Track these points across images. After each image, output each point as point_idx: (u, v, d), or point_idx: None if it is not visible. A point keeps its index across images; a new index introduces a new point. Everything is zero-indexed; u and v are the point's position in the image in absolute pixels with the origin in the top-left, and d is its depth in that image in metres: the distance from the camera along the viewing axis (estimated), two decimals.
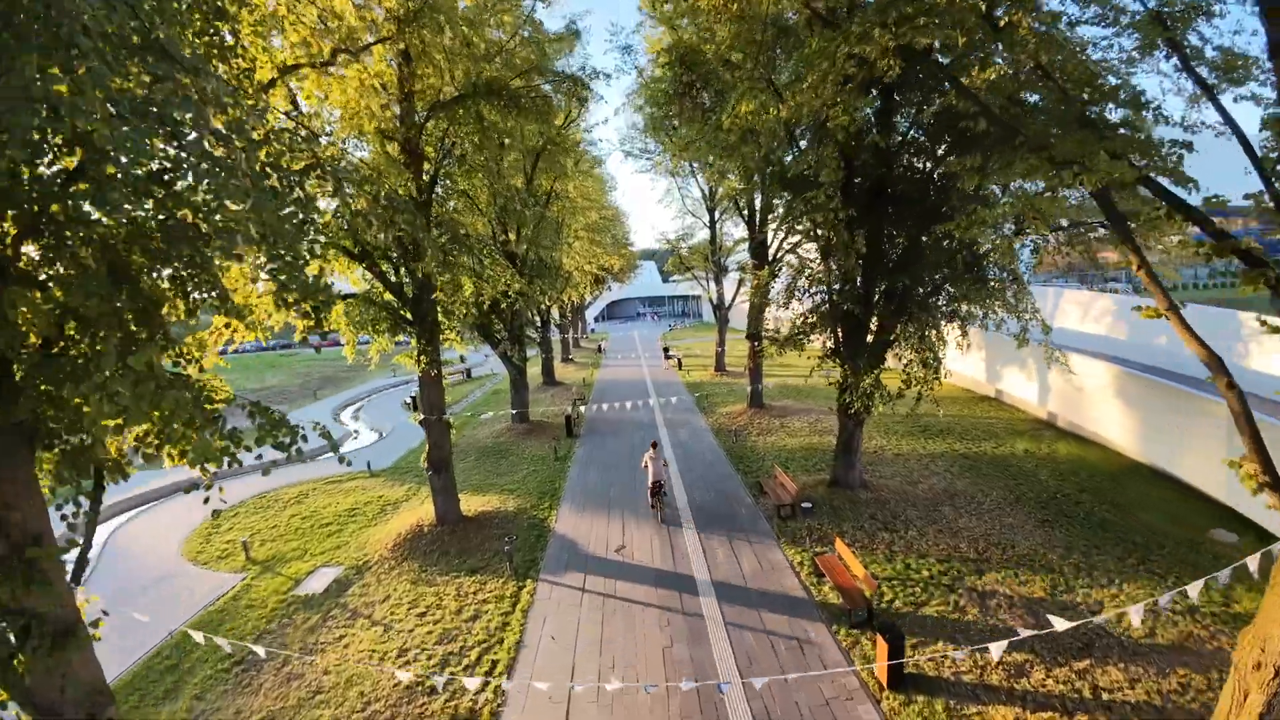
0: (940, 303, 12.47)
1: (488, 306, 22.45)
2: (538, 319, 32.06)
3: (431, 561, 13.36)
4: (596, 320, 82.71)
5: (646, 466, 14.30)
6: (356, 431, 30.52)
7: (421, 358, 13.57)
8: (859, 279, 12.59)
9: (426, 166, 13.21)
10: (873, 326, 13.85)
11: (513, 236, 20.70)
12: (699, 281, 33.87)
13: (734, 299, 32.39)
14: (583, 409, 26.87)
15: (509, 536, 13.94)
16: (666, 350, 43.41)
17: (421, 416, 14.37)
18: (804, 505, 14.09)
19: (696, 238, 33.98)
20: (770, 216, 23.14)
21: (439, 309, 14.01)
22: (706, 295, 33.12)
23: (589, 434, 22.82)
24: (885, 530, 13.20)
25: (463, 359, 52.29)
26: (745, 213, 22.95)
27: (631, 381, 33.44)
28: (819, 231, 12.99)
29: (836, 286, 13.13)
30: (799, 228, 14.60)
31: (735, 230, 34.44)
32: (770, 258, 23.00)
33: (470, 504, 16.24)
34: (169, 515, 18.42)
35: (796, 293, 15.20)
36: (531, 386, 33.38)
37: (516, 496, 16.79)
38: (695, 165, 30.92)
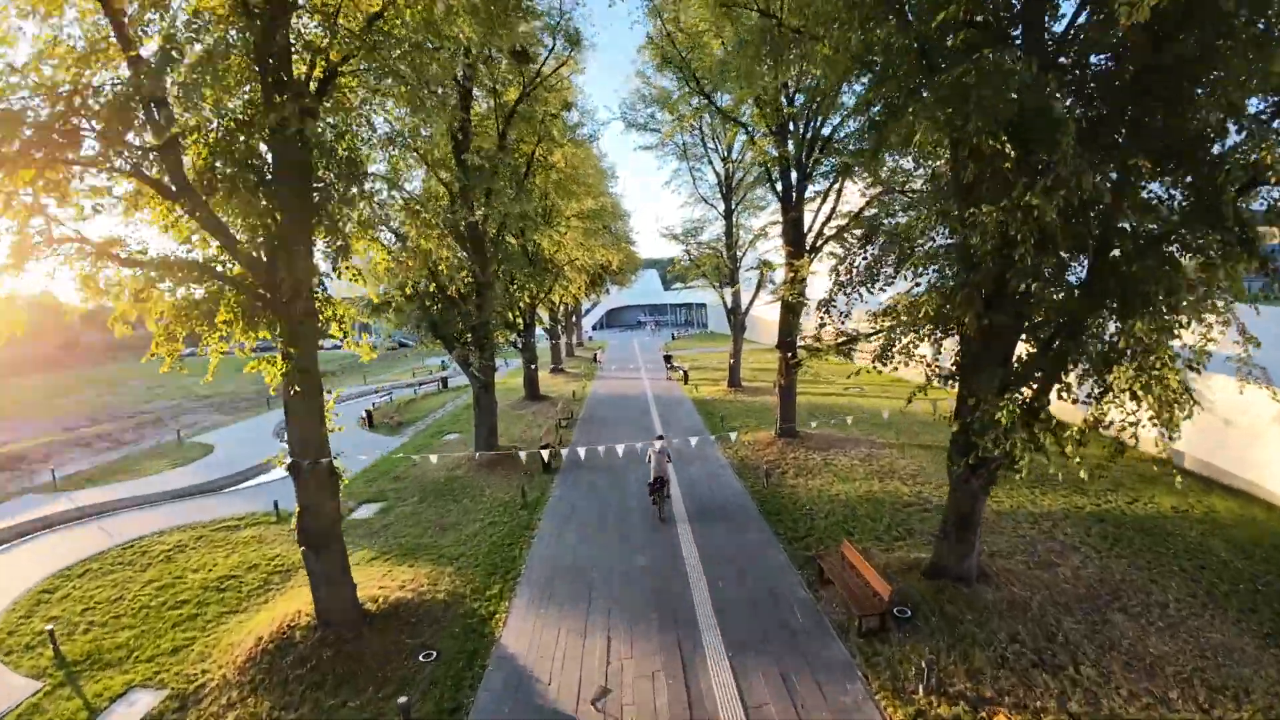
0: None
1: (434, 294, 17.39)
2: (519, 320, 26.87)
3: (294, 699, 8.12)
4: (595, 328, 77.63)
5: (649, 459, 13.28)
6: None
7: (284, 362, 8.39)
8: (1031, 238, 7.22)
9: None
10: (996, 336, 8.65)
11: (479, 210, 15.58)
12: (710, 283, 28.79)
13: (751, 303, 27.28)
14: (570, 432, 21.69)
15: (426, 652, 8.73)
16: (669, 359, 38.25)
17: (287, 460, 9.15)
18: (898, 612, 8.86)
19: (707, 234, 28.99)
20: (813, 187, 18.10)
21: (315, 290, 8.87)
22: (719, 297, 28.04)
23: (572, 469, 17.57)
24: (1041, 665, 7.98)
25: (444, 365, 47.09)
26: (778, 183, 17.86)
27: (630, 397, 28.22)
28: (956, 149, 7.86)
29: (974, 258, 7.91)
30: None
31: (754, 221, 29.40)
32: (810, 244, 17.96)
33: (384, 584, 10.97)
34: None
35: (879, 277, 10.09)
36: (509, 401, 28.17)
37: (456, 572, 11.49)
38: (712, 142, 26.05)
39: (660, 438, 14.12)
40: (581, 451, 15.70)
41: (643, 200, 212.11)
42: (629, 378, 34.44)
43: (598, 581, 10.71)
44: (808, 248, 18.11)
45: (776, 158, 16.65)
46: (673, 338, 60.99)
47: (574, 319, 47.22)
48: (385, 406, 31.67)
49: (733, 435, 19.44)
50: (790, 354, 18.12)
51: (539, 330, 33.64)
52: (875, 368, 9.20)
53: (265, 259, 8.29)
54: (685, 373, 30.98)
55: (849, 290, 10.07)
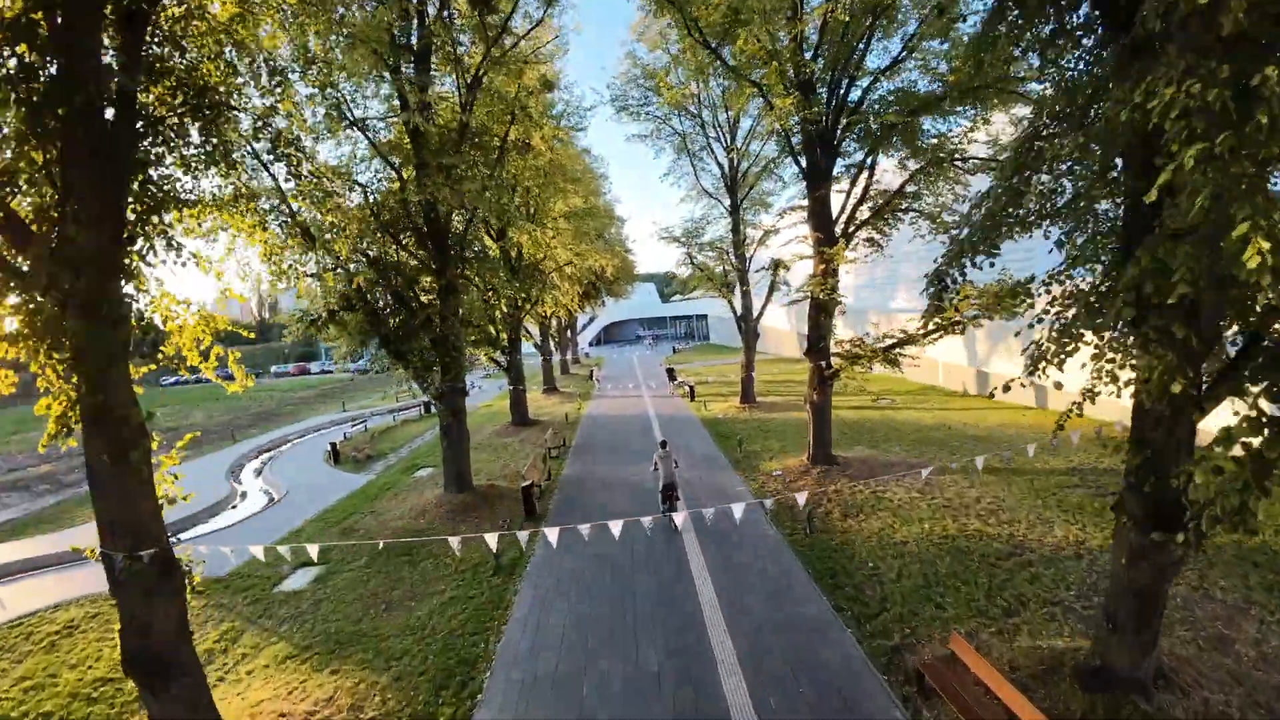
0: None
1: (390, 303, 14.30)
2: (502, 334, 23.71)
3: None
4: (592, 344, 74.57)
5: (656, 467, 12.68)
6: (243, 493, 21.92)
7: (59, 406, 5.19)
8: None
9: None
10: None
11: (437, 192, 12.47)
12: (715, 289, 25.73)
13: (764, 308, 24.20)
14: (561, 463, 18.43)
15: None
16: (671, 372, 35.06)
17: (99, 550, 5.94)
18: None
19: (710, 233, 25.98)
20: (842, 161, 15.17)
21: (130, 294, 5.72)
22: (727, 302, 24.95)
23: (563, 512, 14.30)
24: None
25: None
26: (801, 157, 14.83)
27: (630, 419, 24.96)
28: None
29: None
30: None
31: (763, 218, 26.40)
32: (843, 228, 14.94)
33: (288, 709, 7.65)
34: None
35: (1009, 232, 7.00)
36: (494, 428, 24.90)
37: (392, 684, 8.15)
38: (714, 130, 23.17)
39: (664, 443, 13.31)
40: (574, 488, 12.42)
41: (639, 206, 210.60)
42: (629, 396, 31.19)
43: (593, 700, 7.37)
44: (839, 234, 15.06)
45: (800, 123, 13.62)
46: (673, 351, 57.86)
47: (569, 334, 44.12)
48: (357, 438, 28.39)
49: (757, 463, 16.22)
50: (824, 363, 14.96)
51: (527, 346, 30.44)
52: (1030, 379, 5.97)
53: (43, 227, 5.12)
54: (691, 388, 27.75)
55: (972, 255, 6.87)
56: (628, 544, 11.80)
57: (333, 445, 23.79)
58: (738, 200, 23.71)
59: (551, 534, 8.71)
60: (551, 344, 47.57)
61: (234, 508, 20.21)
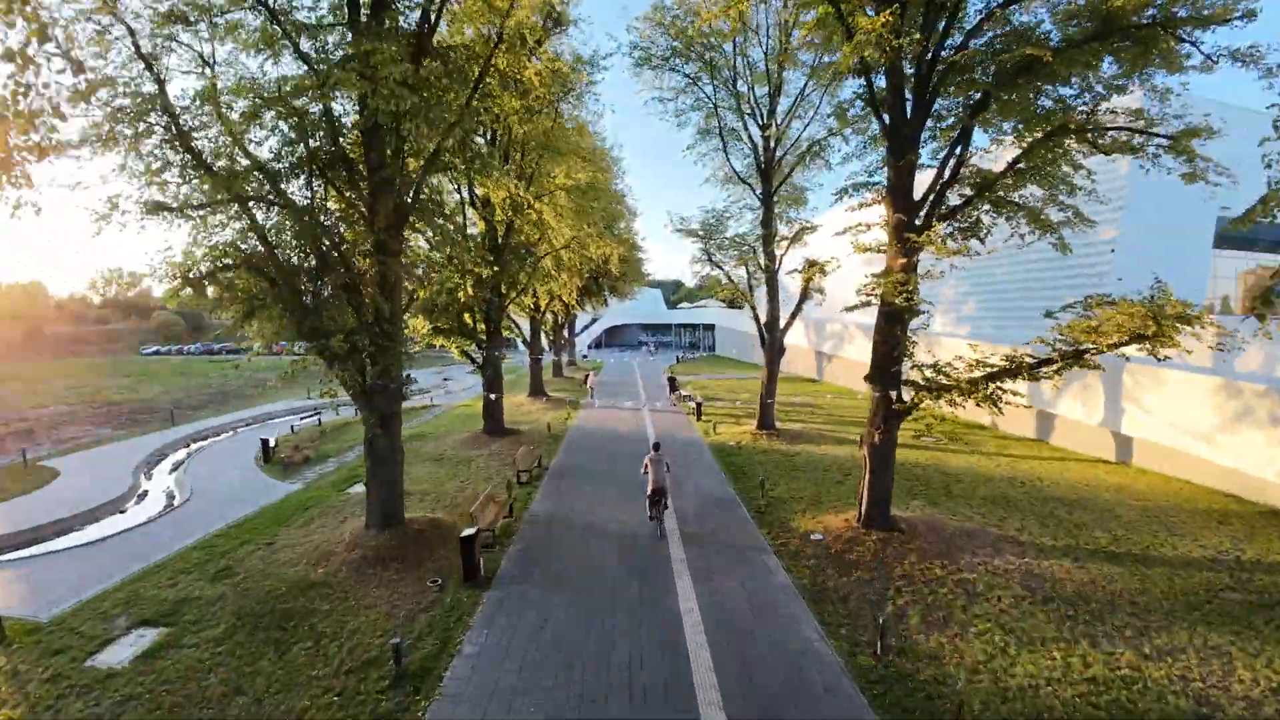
0: None
1: (309, 271, 10.49)
2: (478, 324, 19.84)
3: None
4: (591, 346, 70.64)
5: (647, 470, 11.52)
6: (143, 494, 17.96)
7: None
8: None
9: None
10: None
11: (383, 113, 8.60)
12: (735, 293, 21.80)
13: (794, 317, 20.29)
14: (531, 493, 14.44)
15: None
16: (673, 382, 31.11)
17: None
18: None
19: (731, 229, 22.05)
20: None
21: None
22: (749, 306, 21.02)
23: (518, 574, 10.31)
24: None
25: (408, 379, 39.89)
26: (885, 114, 10.92)
27: (625, 437, 20.96)
28: None
29: None
30: None
31: (797, 213, 22.48)
32: (932, 204, 11.09)
33: None
34: None
35: None
36: (460, 436, 20.91)
37: None
38: (749, 106, 19.31)
39: (657, 445, 12.34)
40: (540, 535, 8.50)
41: (647, 208, 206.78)
42: (626, 408, 27.17)
43: None
44: (930, 209, 11.19)
45: (887, 54, 9.71)
46: (677, 360, 53.90)
47: (565, 333, 40.11)
48: (304, 432, 24.43)
49: (786, 516, 12.27)
50: (893, 393, 11.04)
51: (521, 346, 26.46)
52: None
53: None
54: (698, 405, 23.74)
55: None
56: (605, 636, 7.81)
57: (264, 442, 19.81)
58: (771, 189, 19.83)
59: (497, 614, 4.75)
60: (545, 342, 43.67)
61: (122, 512, 16.23)
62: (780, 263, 20.29)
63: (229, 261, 9.87)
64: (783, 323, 20.40)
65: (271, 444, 20.48)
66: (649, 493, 11.53)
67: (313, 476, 17.85)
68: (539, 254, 20.05)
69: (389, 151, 10.65)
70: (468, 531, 9.74)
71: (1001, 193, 11.40)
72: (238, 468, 19.18)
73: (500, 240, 18.85)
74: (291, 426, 25.67)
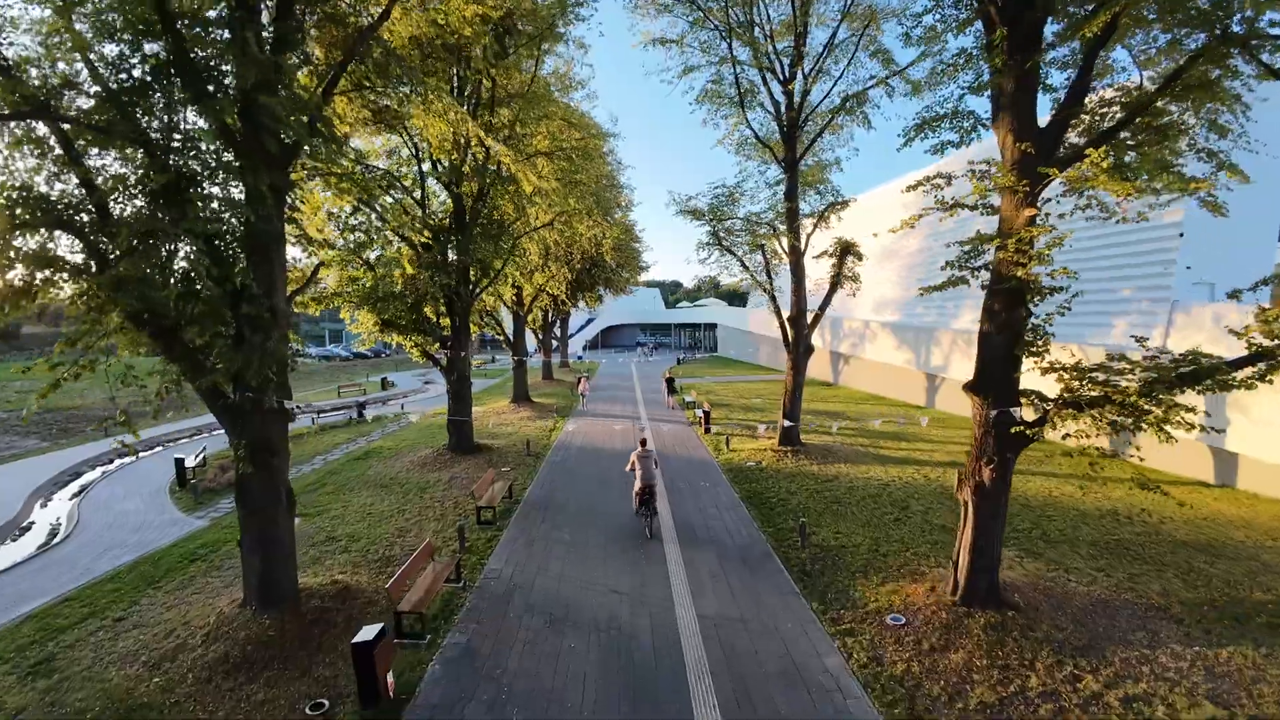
0: None
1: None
2: (441, 318, 16.36)
3: None
4: (587, 348, 67.09)
5: (634, 467, 11.10)
6: (30, 523, 14.48)
7: None
8: None
9: None
10: None
11: None
12: (752, 281, 18.29)
13: (824, 308, 16.80)
14: (492, 537, 10.83)
15: None
16: (670, 383, 27.63)
17: None
18: None
19: (744, 208, 18.58)
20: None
21: None
22: (768, 296, 17.50)
23: (453, 693, 6.75)
24: None
25: (385, 384, 35.94)
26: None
27: (620, 455, 17.37)
28: None
29: None
30: None
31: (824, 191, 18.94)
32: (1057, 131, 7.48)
33: None
34: None
35: None
36: (423, 452, 17.32)
37: None
38: (769, 58, 15.78)
39: (644, 441, 11.57)
40: (491, 621, 5.09)
41: (644, 212, 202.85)
42: (621, 417, 23.58)
43: None
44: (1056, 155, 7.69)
45: None
46: (678, 362, 50.39)
47: (555, 331, 36.47)
48: None
49: (844, 582, 8.75)
50: (1010, 409, 7.54)
51: (485, 345, 22.84)
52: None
53: None
54: (705, 414, 20.14)
55: None
56: None
57: (179, 462, 16.21)
58: (795, 155, 16.30)
59: None
60: (534, 341, 40.03)
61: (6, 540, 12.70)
62: (807, 244, 16.76)
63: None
64: (809, 315, 16.88)
65: (197, 462, 16.93)
66: (637, 490, 11.05)
67: (227, 508, 14.30)
68: (516, 233, 16.48)
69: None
70: (364, 635, 6.15)
71: (1153, 119, 7.88)
72: (144, 494, 15.59)
73: (466, 215, 15.28)
74: (197, 455, 22.03)
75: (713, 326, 64.22)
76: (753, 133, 16.43)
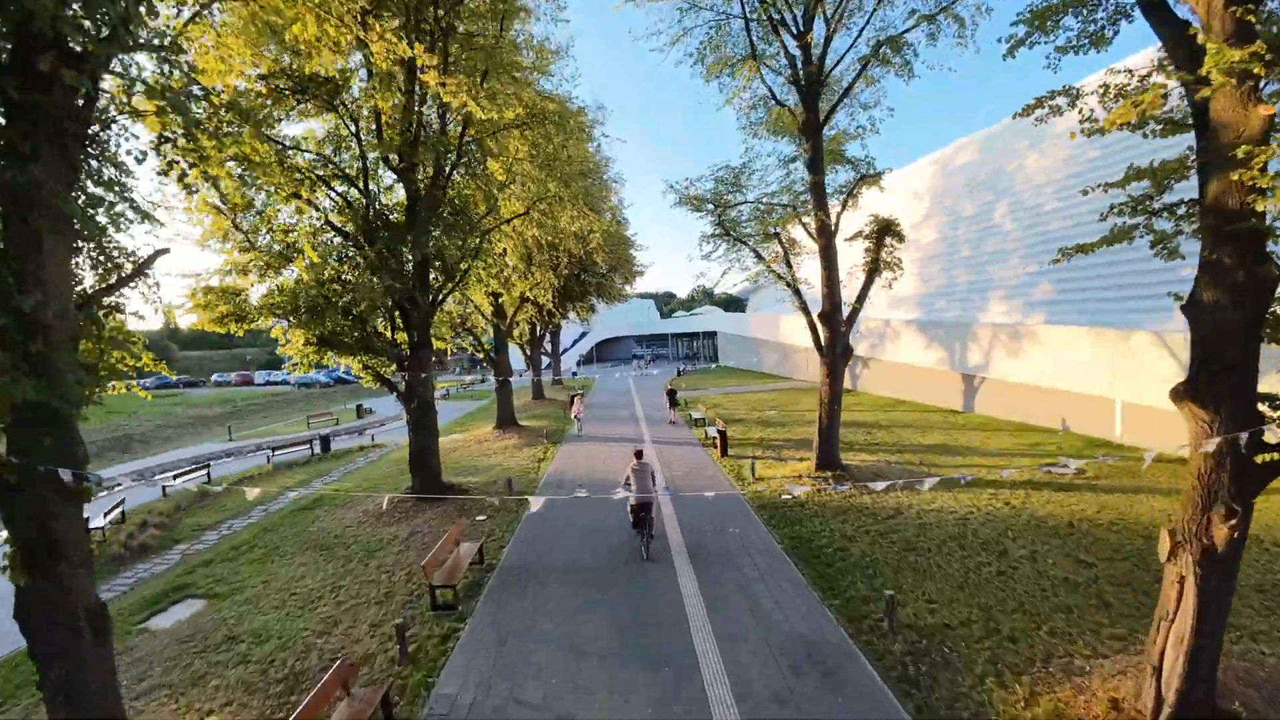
0: None
1: None
2: (393, 331, 13.34)
3: None
4: (580, 363, 64.05)
5: (629, 483, 9.89)
6: None
7: None
8: None
9: None
10: None
11: None
12: (767, 272, 15.40)
13: (859, 303, 13.91)
14: (441, 642, 7.65)
15: None
16: (672, 395, 24.63)
17: None
18: None
19: (755, 191, 15.86)
20: None
21: None
22: (791, 289, 14.59)
23: None
24: None
25: (360, 411, 32.52)
26: None
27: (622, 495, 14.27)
28: None
29: None
30: None
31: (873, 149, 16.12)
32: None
33: None
34: None
35: None
36: (390, 495, 14.15)
37: None
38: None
39: (640, 453, 10.67)
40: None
41: (636, 218, 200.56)
42: (621, 439, 20.47)
43: None
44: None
45: None
46: (678, 373, 47.40)
47: (544, 346, 33.39)
48: (179, 495, 17.63)
49: (982, 703, 5.65)
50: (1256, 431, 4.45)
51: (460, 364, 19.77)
52: None
53: None
54: (721, 435, 17.04)
55: None
56: None
57: (112, 515, 13.07)
58: (819, 119, 13.44)
59: None
60: (520, 358, 36.97)
61: None
62: (838, 225, 13.86)
63: None
64: (846, 311, 13.96)
65: (107, 521, 13.79)
66: (632, 507, 10.05)
67: (129, 581, 11.17)
68: (484, 226, 13.50)
69: None
70: None
71: None
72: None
73: (419, 204, 12.27)
74: (163, 489, 18.80)
75: (711, 334, 61.35)
76: (768, 90, 13.55)
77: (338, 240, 12.41)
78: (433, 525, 12.11)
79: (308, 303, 10.90)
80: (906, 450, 16.42)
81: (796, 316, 15.29)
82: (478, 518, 12.22)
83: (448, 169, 12.50)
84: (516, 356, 38.00)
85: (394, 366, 13.44)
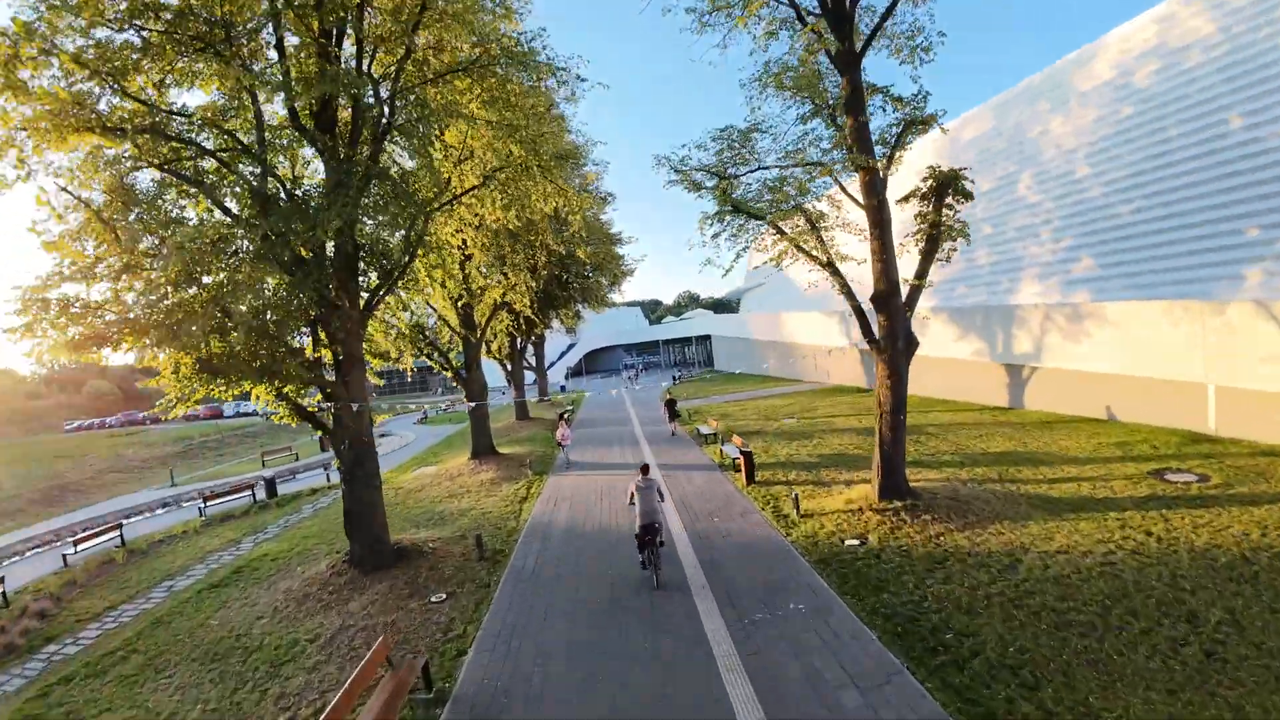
0: None
1: None
2: (299, 340, 9.94)
3: None
4: (568, 376, 60.67)
5: (633, 500, 9.08)
6: None
7: None
8: None
9: None
10: None
11: None
12: (796, 245, 12.19)
13: (920, 279, 10.80)
14: None
15: None
16: (672, 405, 21.43)
17: None
18: None
19: (771, 153, 12.80)
20: None
21: None
22: (824, 269, 11.45)
23: None
24: None
25: (324, 445, 28.64)
26: None
27: (630, 542, 10.99)
28: None
29: None
30: None
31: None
32: None
33: None
34: None
35: None
36: (320, 566, 10.67)
37: None
38: None
39: (645, 468, 9.69)
40: None
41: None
42: (620, 465, 17.18)
43: None
44: None
45: None
46: (674, 380, 44.23)
47: (525, 358, 29.94)
48: (87, 564, 14.20)
49: None
50: None
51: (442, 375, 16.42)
52: None
53: None
54: (747, 458, 13.73)
55: None
56: None
57: None
58: (855, 46, 10.40)
59: None
60: (501, 374, 33.57)
61: None
62: (888, 176, 10.79)
63: None
64: (905, 290, 10.86)
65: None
66: (638, 528, 8.81)
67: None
68: (428, 204, 10.23)
69: None
70: None
71: None
72: None
73: (343, 172, 8.99)
74: (71, 550, 15.22)
75: (705, 339, 58.34)
76: (791, 4, 10.44)
77: (226, 225, 9.09)
78: (372, 613, 8.74)
79: (167, 314, 7.58)
80: (973, 462, 13.32)
81: (801, 313, 12.18)
82: (432, 599, 8.87)
83: (378, 130, 9.29)
84: (497, 373, 34.62)
85: (319, 396, 10.12)
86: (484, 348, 25.09)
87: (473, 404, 18.45)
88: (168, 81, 9.22)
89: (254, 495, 18.89)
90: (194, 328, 8.14)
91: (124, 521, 17.85)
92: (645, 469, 9.70)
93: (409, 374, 19.71)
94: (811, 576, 8.40)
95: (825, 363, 32.42)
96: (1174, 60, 15.53)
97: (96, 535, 15.73)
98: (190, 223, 9.52)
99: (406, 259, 10.08)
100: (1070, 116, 18.75)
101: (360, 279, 10.04)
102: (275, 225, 7.90)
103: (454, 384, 20.11)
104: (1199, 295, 14.46)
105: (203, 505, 18.10)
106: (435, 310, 17.89)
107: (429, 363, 18.28)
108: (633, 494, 9.25)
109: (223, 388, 9.22)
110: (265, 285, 8.75)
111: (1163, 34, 15.85)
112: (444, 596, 8.86)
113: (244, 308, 8.33)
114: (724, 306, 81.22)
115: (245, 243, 8.92)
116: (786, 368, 36.70)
